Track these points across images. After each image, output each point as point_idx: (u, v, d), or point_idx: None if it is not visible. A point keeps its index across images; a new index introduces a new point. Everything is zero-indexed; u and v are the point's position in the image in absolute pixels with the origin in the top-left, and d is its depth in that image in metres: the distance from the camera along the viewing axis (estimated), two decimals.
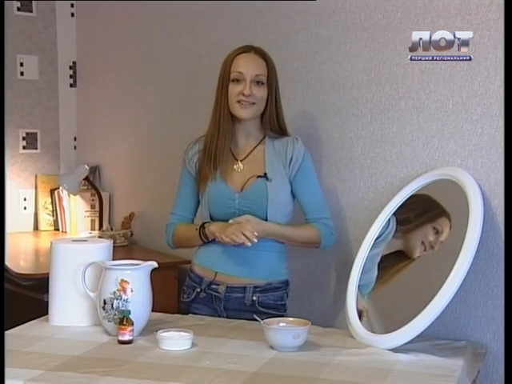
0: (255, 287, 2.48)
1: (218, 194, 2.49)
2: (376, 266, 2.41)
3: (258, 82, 2.45)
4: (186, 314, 2.53)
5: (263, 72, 2.45)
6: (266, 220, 2.45)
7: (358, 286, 2.39)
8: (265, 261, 2.49)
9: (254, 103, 2.45)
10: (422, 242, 2.32)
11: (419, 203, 2.40)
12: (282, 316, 2.38)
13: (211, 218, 2.51)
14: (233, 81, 2.45)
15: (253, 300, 2.47)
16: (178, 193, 2.62)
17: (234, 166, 2.52)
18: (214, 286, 2.50)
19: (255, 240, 2.34)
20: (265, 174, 2.47)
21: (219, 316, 2.49)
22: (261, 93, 2.45)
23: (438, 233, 2.30)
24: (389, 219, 2.44)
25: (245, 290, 2.48)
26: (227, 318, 2.48)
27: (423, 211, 2.38)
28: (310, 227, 2.49)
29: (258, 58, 2.47)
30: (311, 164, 2.54)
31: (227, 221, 2.45)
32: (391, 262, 2.40)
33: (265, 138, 2.54)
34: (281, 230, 2.46)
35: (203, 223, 2.50)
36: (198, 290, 2.53)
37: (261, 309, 2.46)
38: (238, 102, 2.44)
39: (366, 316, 2.30)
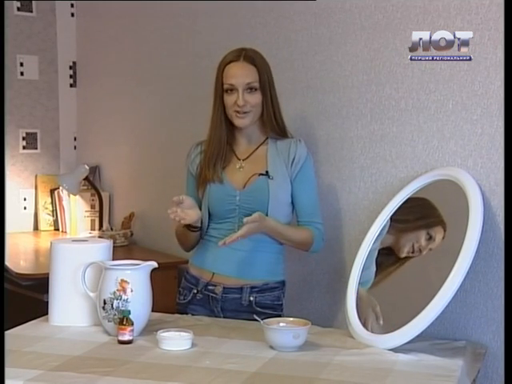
0: (252, 288, 2.48)
1: (218, 192, 2.49)
2: (374, 263, 2.42)
3: (251, 89, 2.46)
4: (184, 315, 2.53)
5: (254, 79, 2.46)
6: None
7: (359, 283, 2.39)
8: (261, 261, 2.49)
9: (249, 111, 2.46)
10: (412, 245, 2.33)
11: (420, 208, 2.40)
12: (279, 316, 2.38)
13: (210, 216, 2.52)
14: (226, 91, 2.46)
15: (250, 300, 2.48)
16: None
17: (237, 165, 2.53)
18: (210, 287, 2.51)
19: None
20: (266, 172, 2.48)
21: (216, 317, 2.49)
22: (255, 99, 2.46)
23: (430, 239, 2.30)
24: None
25: (242, 291, 2.48)
26: (224, 318, 2.48)
27: (422, 216, 2.39)
28: (305, 229, 2.50)
29: (247, 65, 2.46)
30: (312, 167, 2.54)
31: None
32: (388, 258, 2.40)
33: (267, 140, 2.54)
34: (280, 227, 2.46)
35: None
36: (195, 291, 2.53)
37: (258, 309, 2.46)
38: (235, 111, 2.46)
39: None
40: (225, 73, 2.47)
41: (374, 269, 2.40)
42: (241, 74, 2.45)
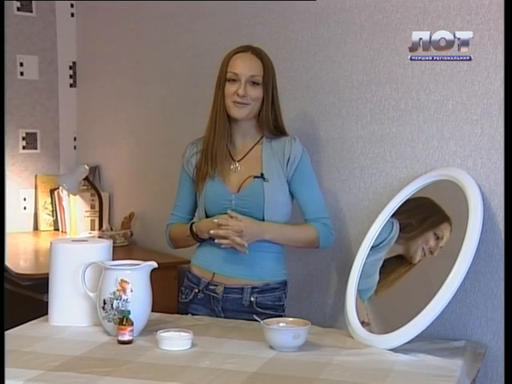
0: (253, 288, 2.48)
1: (214, 195, 2.49)
2: (378, 272, 2.40)
3: (254, 83, 2.45)
4: (185, 314, 2.53)
5: (259, 73, 2.46)
6: (263, 221, 2.45)
7: (359, 290, 2.38)
8: (263, 261, 2.49)
9: (248, 104, 2.45)
10: (423, 248, 2.32)
11: (421, 208, 2.39)
12: (281, 316, 2.37)
13: (207, 217, 2.51)
14: (229, 80, 2.46)
15: (251, 301, 2.47)
16: (177, 194, 2.63)
17: (231, 167, 2.52)
18: (211, 287, 2.50)
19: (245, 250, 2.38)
20: (261, 174, 2.47)
21: (217, 317, 2.49)
22: (256, 93, 2.46)
23: (438, 238, 2.29)
24: (392, 223, 2.43)
25: (243, 291, 2.48)
26: (225, 318, 2.48)
27: (425, 217, 2.38)
28: (309, 227, 2.49)
29: (254, 58, 2.47)
30: (309, 164, 2.53)
31: None
32: (392, 265, 2.39)
33: (262, 138, 2.54)
34: (280, 229, 2.46)
35: (191, 225, 2.51)
36: (196, 290, 2.53)
37: (259, 309, 2.45)
38: (234, 102, 2.45)
39: (369, 325, 2.29)
40: (231, 62, 2.46)
41: (377, 278, 2.39)
42: (247, 65, 2.45)
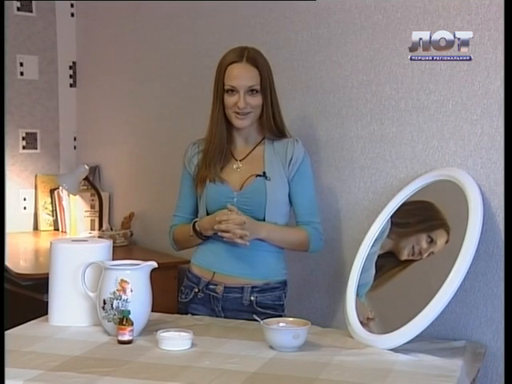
0: (253, 287, 2.48)
1: (216, 193, 2.49)
2: (374, 265, 2.41)
3: (253, 91, 2.45)
4: (185, 314, 2.53)
5: (256, 82, 2.45)
6: (264, 220, 2.46)
7: (358, 285, 2.39)
8: (263, 261, 2.49)
9: (250, 112, 2.46)
10: (413, 247, 2.32)
11: (422, 210, 2.39)
12: (280, 316, 2.37)
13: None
14: (227, 91, 2.46)
15: (251, 300, 2.48)
16: (179, 194, 2.63)
17: (234, 166, 2.52)
18: (211, 287, 2.51)
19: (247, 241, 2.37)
20: (264, 173, 2.48)
21: (217, 316, 2.49)
22: (256, 101, 2.46)
23: (431, 242, 2.29)
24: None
25: (243, 290, 2.48)
26: (225, 318, 2.48)
27: (424, 219, 2.38)
28: (301, 230, 2.50)
29: (249, 67, 2.45)
30: (310, 167, 2.54)
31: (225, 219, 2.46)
32: (389, 262, 2.40)
33: (264, 140, 2.55)
34: (275, 229, 2.46)
35: (193, 223, 2.51)
36: (196, 290, 2.53)
37: (259, 309, 2.46)
38: (235, 112, 2.45)
39: (374, 320, 2.29)
40: (226, 73, 2.46)
41: (374, 272, 2.40)
42: (243, 77, 2.44)
